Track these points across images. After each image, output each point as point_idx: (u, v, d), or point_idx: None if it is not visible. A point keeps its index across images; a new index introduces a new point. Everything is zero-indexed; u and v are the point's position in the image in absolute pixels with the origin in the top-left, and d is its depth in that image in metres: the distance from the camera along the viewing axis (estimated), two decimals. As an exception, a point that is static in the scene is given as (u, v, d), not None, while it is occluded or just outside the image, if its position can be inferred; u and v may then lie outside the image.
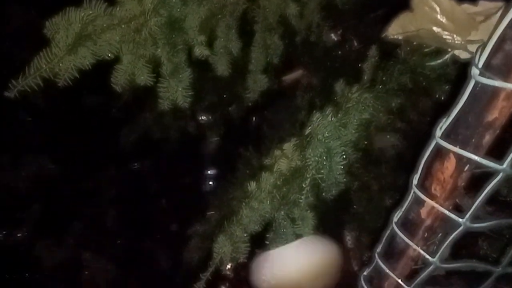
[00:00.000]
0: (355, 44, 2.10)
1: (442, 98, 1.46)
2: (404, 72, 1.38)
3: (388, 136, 2.07)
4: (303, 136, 1.26)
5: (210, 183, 3.49)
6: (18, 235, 3.81)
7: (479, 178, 0.73)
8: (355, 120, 1.17)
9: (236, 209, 1.54)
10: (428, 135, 0.77)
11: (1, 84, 1.27)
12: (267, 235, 1.43)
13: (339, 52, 2.15)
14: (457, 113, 0.69)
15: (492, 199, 0.74)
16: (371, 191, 2.07)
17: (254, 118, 3.41)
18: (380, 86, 1.29)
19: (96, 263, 3.77)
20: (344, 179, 1.32)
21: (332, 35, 2.13)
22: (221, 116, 2.88)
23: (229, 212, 1.72)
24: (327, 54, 2.16)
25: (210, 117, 2.86)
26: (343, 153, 1.18)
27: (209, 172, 3.52)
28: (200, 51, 1.34)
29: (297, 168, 1.40)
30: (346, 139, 1.18)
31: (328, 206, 2.11)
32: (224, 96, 2.53)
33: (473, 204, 0.72)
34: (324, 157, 1.18)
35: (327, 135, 1.16)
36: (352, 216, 2.25)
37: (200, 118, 3.33)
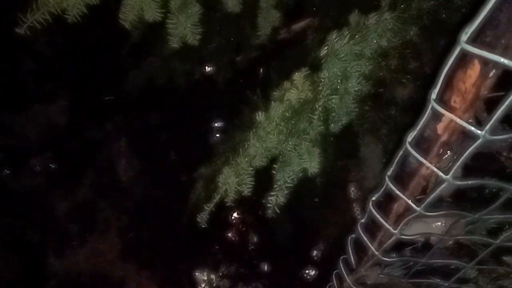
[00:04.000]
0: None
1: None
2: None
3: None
4: (316, 60, 1.21)
5: (217, 128, 3.50)
6: (30, 183, 3.92)
7: (500, 89, 0.70)
8: (373, 43, 1.12)
9: (242, 145, 1.53)
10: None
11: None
12: (274, 166, 1.43)
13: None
14: (486, 14, 0.64)
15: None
16: (380, 135, 2.05)
17: (261, 69, 3.34)
18: (400, 12, 1.22)
19: (108, 210, 3.90)
20: (355, 109, 1.29)
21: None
22: (229, 62, 2.80)
23: (234, 149, 1.72)
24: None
25: (218, 63, 2.77)
26: (359, 77, 1.14)
27: (216, 119, 3.52)
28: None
29: (307, 99, 1.37)
30: (362, 64, 1.14)
31: (335, 148, 2.10)
32: (232, 39, 2.44)
33: (491, 119, 0.70)
34: (339, 81, 1.14)
35: (343, 56, 1.11)
36: (358, 160, 2.25)
37: (207, 67, 3.26)
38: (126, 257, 3.67)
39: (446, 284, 1.12)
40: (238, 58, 3.16)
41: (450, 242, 1.18)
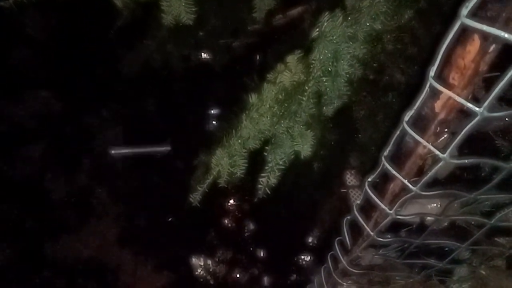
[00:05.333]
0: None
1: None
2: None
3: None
4: (309, 42, 1.20)
5: (214, 115, 3.48)
6: (26, 170, 3.89)
7: (499, 65, 0.69)
8: (366, 26, 1.10)
9: (235, 127, 1.52)
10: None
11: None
12: (266, 147, 1.42)
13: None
14: (487, -13, 0.63)
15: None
16: (377, 120, 2.05)
17: (258, 54, 3.30)
18: (395, -7, 1.20)
19: (103, 198, 3.89)
20: (348, 92, 1.28)
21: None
22: (225, 47, 2.77)
23: (228, 132, 1.70)
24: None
25: (215, 47, 2.74)
26: (351, 59, 1.13)
27: (213, 105, 3.49)
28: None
29: (300, 82, 1.36)
30: (355, 46, 1.12)
31: (333, 134, 2.09)
32: (229, 22, 2.40)
33: (490, 95, 0.69)
34: (330, 62, 1.13)
35: (335, 37, 1.09)
36: (355, 145, 2.25)
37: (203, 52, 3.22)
38: (123, 243, 3.69)
39: (440, 265, 1.13)
40: (234, 44, 3.13)
41: (445, 224, 1.19)
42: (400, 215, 1.00)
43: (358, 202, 1.14)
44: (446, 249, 1.24)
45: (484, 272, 1.11)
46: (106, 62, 3.22)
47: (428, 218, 1.19)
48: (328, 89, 1.21)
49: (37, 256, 3.72)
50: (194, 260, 3.50)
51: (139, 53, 2.54)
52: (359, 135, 2.09)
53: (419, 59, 1.87)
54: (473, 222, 1.10)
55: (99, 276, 3.69)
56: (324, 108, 1.30)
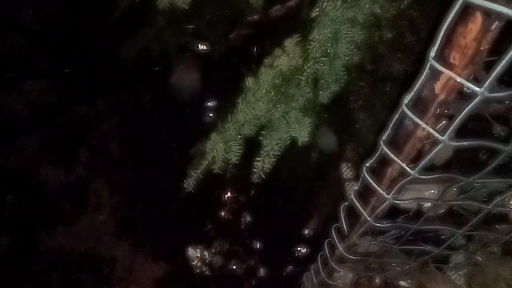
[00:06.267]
0: None
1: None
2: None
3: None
4: (308, 23, 1.18)
5: (211, 107, 3.46)
6: (22, 160, 3.86)
7: (501, 44, 0.69)
8: (365, 8, 1.09)
9: (231, 112, 1.50)
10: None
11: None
12: (262, 132, 1.41)
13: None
14: (491, -37, 0.61)
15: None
16: (375, 110, 2.04)
17: (256, 46, 3.28)
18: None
19: (100, 188, 3.87)
20: (344, 76, 1.27)
21: None
22: (223, 36, 2.74)
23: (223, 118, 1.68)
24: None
25: (212, 37, 2.71)
26: (350, 40, 1.12)
27: (210, 96, 3.47)
28: None
29: (297, 66, 1.35)
30: (354, 31, 1.11)
31: (329, 124, 2.08)
32: (227, 11, 2.38)
33: (491, 75, 0.68)
34: (329, 44, 1.12)
35: (335, 17, 1.08)
36: (352, 136, 2.24)
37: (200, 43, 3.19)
38: (120, 233, 3.68)
39: (437, 251, 1.13)
40: (232, 35, 3.10)
41: (442, 211, 1.19)
42: (398, 200, 1.00)
43: (356, 187, 1.13)
44: (443, 237, 1.25)
45: (480, 259, 1.11)
46: (102, 51, 3.18)
47: (425, 205, 1.19)
48: (325, 72, 1.20)
49: (32, 248, 3.70)
50: (191, 251, 3.50)
51: (136, 41, 2.51)
52: (357, 126, 2.08)
53: (417, 48, 1.86)
54: (470, 208, 1.10)
55: (94, 267, 3.68)
56: (321, 92, 1.29)
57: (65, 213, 3.77)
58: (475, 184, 1.15)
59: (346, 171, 3.55)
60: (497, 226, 1.11)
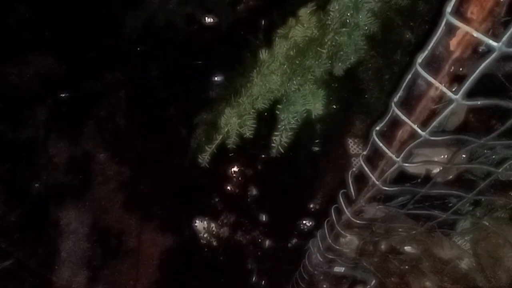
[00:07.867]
0: None
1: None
2: None
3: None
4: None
5: (217, 80, 3.43)
6: (29, 134, 3.90)
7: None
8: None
9: (245, 85, 1.49)
10: None
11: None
12: (278, 106, 1.41)
13: None
14: None
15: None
16: (384, 80, 2.02)
17: (264, 18, 3.21)
18: None
19: (108, 161, 3.92)
20: (364, 46, 1.25)
21: None
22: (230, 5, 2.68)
23: (236, 92, 1.68)
24: None
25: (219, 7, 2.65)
26: (369, 9, 1.09)
27: (217, 68, 3.43)
28: None
29: (312, 37, 1.32)
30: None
31: (339, 93, 2.06)
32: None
33: (509, 29, 0.66)
34: (349, 13, 1.09)
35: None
36: (361, 107, 2.22)
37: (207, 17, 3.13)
38: (128, 206, 3.74)
39: (444, 216, 1.13)
40: (239, 7, 3.04)
41: (451, 177, 1.19)
42: (407, 163, 0.99)
43: (364, 153, 1.13)
44: (450, 204, 1.25)
45: (487, 223, 1.12)
46: (107, 22, 3.14)
47: (434, 170, 1.19)
48: (344, 43, 1.17)
49: (42, 219, 3.78)
50: (198, 223, 3.56)
51: (142, 11, 2.47)
52: (365, 96, 2.06)
53: (429, 16, 1.82)
54: (479, 174, 1.10)
55: (102, 239, 3.76)
56: (340, 64, 1.27)
57: (73, 185, 3.83)
58: (485, 151, 1.14)
59: (353, 146, 3.55)
60: (505, 192, 1.11)
